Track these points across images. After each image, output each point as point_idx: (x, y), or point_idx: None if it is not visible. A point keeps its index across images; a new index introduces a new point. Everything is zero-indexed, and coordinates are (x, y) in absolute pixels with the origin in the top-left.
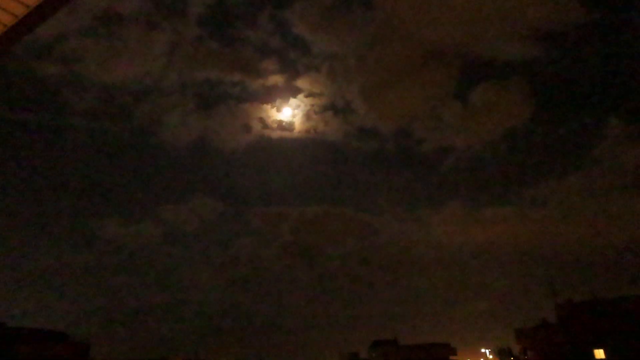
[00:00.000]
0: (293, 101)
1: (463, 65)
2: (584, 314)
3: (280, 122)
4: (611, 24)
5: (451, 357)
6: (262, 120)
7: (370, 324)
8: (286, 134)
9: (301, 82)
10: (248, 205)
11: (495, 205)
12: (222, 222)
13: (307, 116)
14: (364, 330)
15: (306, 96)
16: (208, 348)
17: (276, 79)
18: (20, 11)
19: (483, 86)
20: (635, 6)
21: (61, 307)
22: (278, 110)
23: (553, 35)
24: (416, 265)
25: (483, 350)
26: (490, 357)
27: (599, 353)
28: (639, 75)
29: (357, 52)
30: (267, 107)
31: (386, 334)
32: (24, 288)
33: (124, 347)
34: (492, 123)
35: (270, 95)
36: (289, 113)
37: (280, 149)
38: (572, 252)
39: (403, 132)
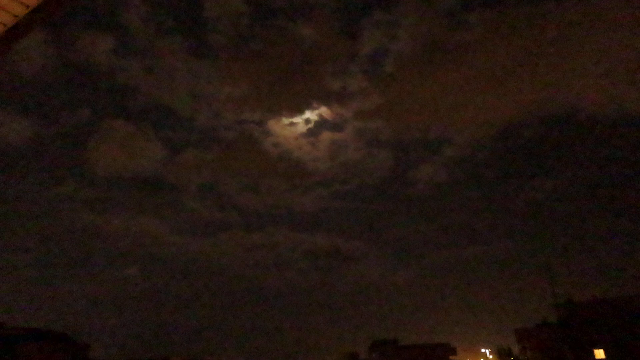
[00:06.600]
0: None
1: None
2: (584, 314)
3: None
4: None
5: (451, 357)
6: None
7: (370, 324)
8: None
9: None
10: None
11: None
12: None
13: None
14: (364, 330)
15: None
16: (208, 348)
17: None
18: (20, 11)
19: None
20: None
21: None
22: None
23: None
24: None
25: (483, 350)
26: (490, 357)
27: (599, 353)
28: None
29: None
30: None
31: (386, 334)
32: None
33: (124, 347)
34: None
35: None
36: None
37: None
38: None
39: None
